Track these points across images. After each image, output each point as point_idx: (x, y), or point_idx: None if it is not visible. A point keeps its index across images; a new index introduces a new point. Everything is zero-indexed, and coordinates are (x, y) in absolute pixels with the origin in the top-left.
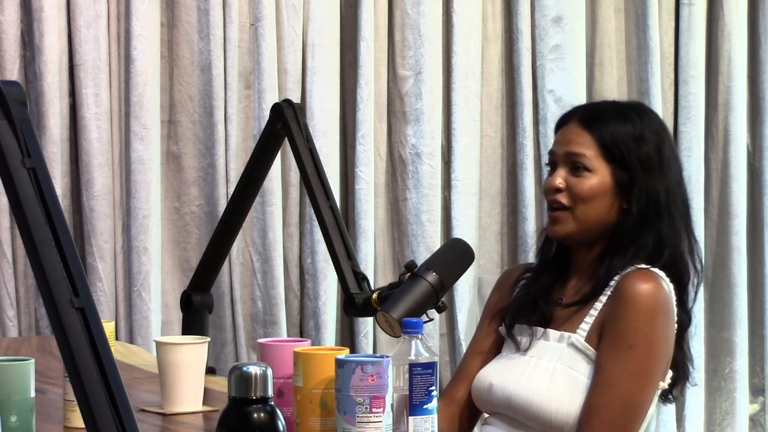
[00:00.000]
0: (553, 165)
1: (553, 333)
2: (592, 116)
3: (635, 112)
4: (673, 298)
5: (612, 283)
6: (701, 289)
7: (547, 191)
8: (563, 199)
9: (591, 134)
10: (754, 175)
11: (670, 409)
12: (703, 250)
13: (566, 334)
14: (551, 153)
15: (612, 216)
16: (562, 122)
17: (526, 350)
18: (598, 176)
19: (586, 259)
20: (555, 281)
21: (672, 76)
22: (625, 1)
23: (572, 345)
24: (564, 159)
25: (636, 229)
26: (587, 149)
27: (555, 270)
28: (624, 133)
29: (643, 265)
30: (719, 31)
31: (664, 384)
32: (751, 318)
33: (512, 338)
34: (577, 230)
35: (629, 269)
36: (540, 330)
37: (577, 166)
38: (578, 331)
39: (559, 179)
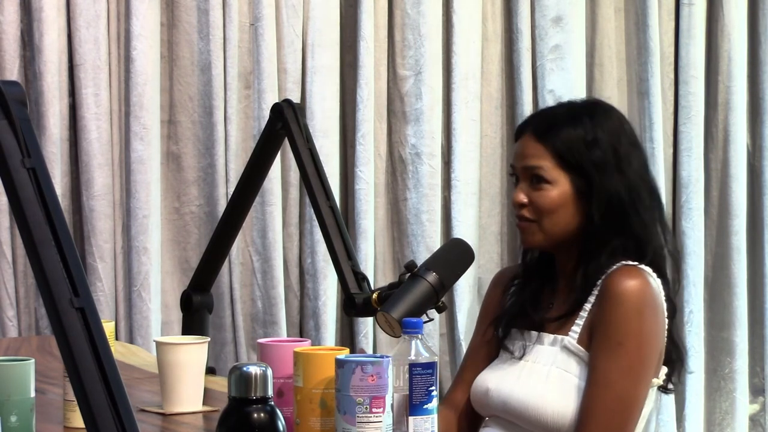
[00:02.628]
0: (516, 178)
1: (546, 337)
2: (544, 126)
3: (587, 113)
4: (662, 292)
5: (599, 282)
6: (701, 289)
7: (513, 205)
8: (528, 213)
9: (544, 145)
10: (754, 175)
11: (670, 409)
12: (703, 250)
13: (559, 337)
14: (512, 166)
15: (578, 222)
16: (518, 134)
17: (522, 355)
18: (558, 187)
19: (568, 265)
20: (544, 287)
21: (672, 76)
22: (625, 1)
23: (565, 348)
24: (523, 173)
25: (603, 233)
26: (543, 161)
27: (542, 276)
28: (576, 139)
29: (630, 262)
30: (719, 31)
31: (659, 380)
32: (751, 318)
33: (507, 346)
34: (545, 240)
35: (615, 267)
36: (534, 334)
37: (536, 179)
38: (570, 333)
39: (522, 195)
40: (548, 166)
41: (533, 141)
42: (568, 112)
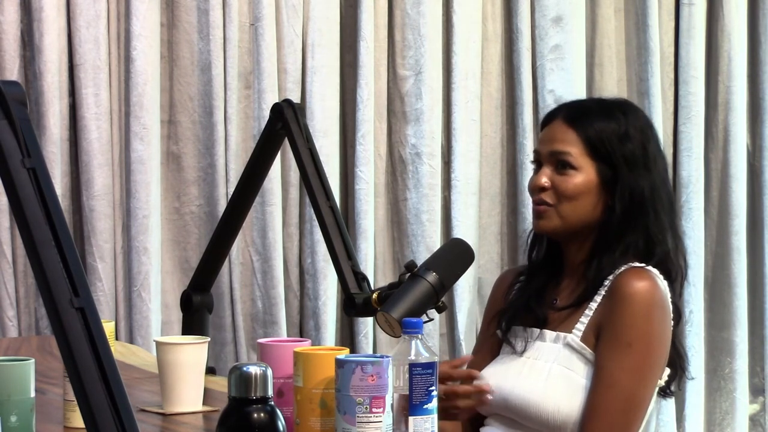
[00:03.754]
0: (538, 163)
1: (549, 334)
2: (577, 114)
3: (620, 109)
4: (669, 295)
5: (607, 282)
6: (701, 289)
7: (532, 190)
8: (548, 198)
9: (576, 132)
10: (754, 175)
11: (671, 409)
12: (703, 250)
13: (562, 334)
14: (536, 152)
15: (597, 213)
16: (548, 120)
17: (523, 352)
18: (583, 174)
19: (577, 258)
20: (548, 282)
21: (672, 76)
22: (625, 1)
23: (568, 345)
24: (549, 157)
25: (621, 227)
26: (572, 147)
27: (547, 271)
28: (609, 131)
29: (638, 264)
30: (719, 31)
31: (661, 382)
32: (751, 318)
33: (508, 341)
34: (561, 226)
35: (623, 268)
36: (536, 331)
37: (562, 164)
38: (574, 331)
39: (545, 178)
40: (577, 153)
41: (565, 127)
42: (600, 105)
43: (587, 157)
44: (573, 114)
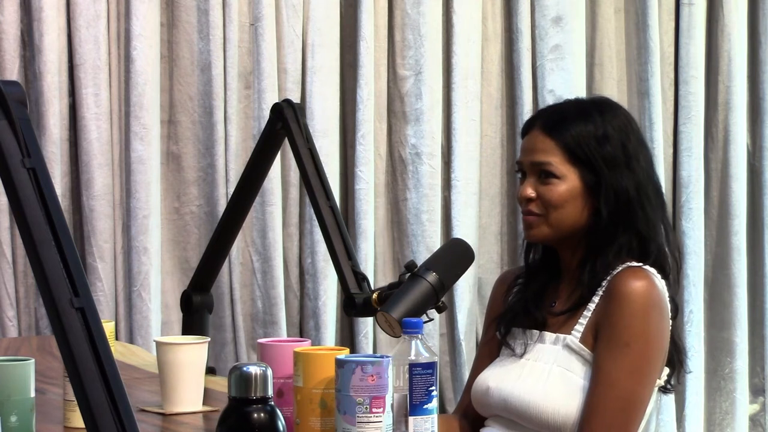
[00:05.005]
0: (523, 173)
1: (548, 335)
2: (554, 121)
3: (597, 109)
4: (666, 294)
5: (604, 283)
6: (701, 289)
7: (519, 201)
8: (535, 208)
9: (554, 140)
10: (754, 175)
11: (671, 409)
12: (703, 250)
13: (561, 335)
14: (519, 162)
15: (585, 218)
16: (526, 129)
17: (523, 354)
18: (567, 182)
19: (572, 261)
20: (547, 285)
21: (672, 76)
22: (625, 1)
23: (567, 346)
24: (531, 168)
25: (611, 229)
26: (552, 156)
27: (545, 274)
28: (586, 134)
29: (635, 263)
30: (719, 31)
31: (661, 381)
32: (751, 318)
33: (508, 344)
34: (551, 234)
35: (620, 268)
36: (535, 333)
37: (545, 174)
38: (573, 332)
39: (529, 189)
40: (557, 161)
41: (542, 136)
42: (576, 107)
43: (568, 164)
44: (550, 121)
